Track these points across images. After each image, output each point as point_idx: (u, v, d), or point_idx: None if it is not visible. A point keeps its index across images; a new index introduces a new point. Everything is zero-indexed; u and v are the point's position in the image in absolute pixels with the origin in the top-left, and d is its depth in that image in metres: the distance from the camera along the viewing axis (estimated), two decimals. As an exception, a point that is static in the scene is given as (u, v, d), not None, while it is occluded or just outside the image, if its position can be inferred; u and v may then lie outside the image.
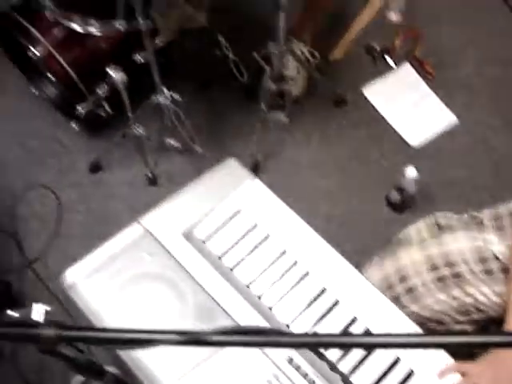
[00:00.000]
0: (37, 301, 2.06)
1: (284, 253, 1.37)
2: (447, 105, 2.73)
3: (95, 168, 2.54)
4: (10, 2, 2.37)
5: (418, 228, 1.70)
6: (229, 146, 2.61)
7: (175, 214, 1.39)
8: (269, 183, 1.49)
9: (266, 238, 1.39)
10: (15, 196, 2.52)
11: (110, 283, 1.28)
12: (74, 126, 2.49)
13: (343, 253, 1.38)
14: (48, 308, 0.89)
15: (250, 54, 2.58)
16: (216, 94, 2.73)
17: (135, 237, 1.35)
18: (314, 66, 2.62)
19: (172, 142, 2.49)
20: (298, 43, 2.57)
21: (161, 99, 2.25)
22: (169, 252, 1.32)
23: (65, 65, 2.20)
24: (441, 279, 1.52)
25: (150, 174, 2.48)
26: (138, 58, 2.23)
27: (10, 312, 0.88)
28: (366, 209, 2.46)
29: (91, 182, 2.55)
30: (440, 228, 1.66)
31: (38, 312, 0.90)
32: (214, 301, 1.27)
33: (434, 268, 1.53)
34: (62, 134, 2.65)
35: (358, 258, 1.61)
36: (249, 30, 2.80)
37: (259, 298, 1.31)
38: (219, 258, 1.36)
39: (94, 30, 2.03)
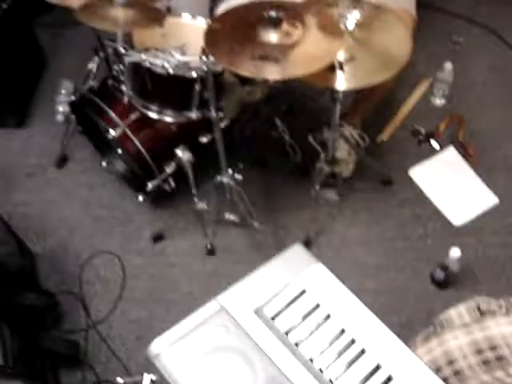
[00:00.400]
0: (99, 359, 2.28)
1: (343, 331, 1.53)
2: (489, 186, 2.87)
3: (158, 237, 2.74)
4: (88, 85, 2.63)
5: (459, 312, 1.83)
6: (282, 221, 2.78)
7: (248, 293, 1.56)
8: (319, 257, 1.64)
9: (328, 317, 1.55)
10: (83, 260, 2.72)
11: (190, 354, 1.45)
12: (140, 198, 2.70)
13: (390, 326, 1.53)
14: (154, 377, 1.04)
15: (304, 135, 2.78)
16: (271, 170, 2.93)
17: (212, 312, 1.52)
18: (363, 148, 2.81)
19: (230, 215, 2.67)
20: (349, 127, 2.76)
21: (224, 179, 2.44)
22: (242, 327, 1.49)
23: (139, 146, 2.42)
24: (485, 362, 1.64)
25: (208, 245, 2.67)
26: (204, 139, 2.44)
27: (119, 380, 1.04)
28: (410, 284, 2.59)
29: (154, 250, 2.74)
30: (481, 313, 1.79)
31: (147, 381, 1.06)
32: (282, 373, 1.42)
33: (478, 352, 1.65)
34: (128, 205, 2.87)
35: (403, 330, 1.73)
36: (304, 113, 3.02)
37: (321, 371, 1.47)
38: (286, 333, 1.52)
39: (168, 118, 2.25)
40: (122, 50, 2.10)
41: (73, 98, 2.63)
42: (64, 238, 2.81)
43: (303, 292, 1.59)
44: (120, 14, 1.97)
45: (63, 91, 3.31)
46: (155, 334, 2.48)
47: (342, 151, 2.70)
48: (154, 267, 2.69)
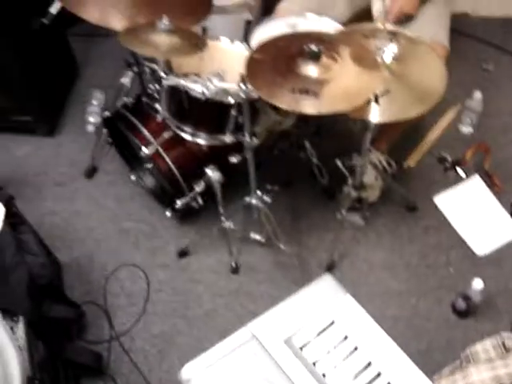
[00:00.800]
0: (121, 371, 2.29)
1: (370, 364, 1.56)
2: (512, 216, 2.90)
3: (183, 253, 2.77)
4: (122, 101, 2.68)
5: (485, 347, 1.86)
6: (306, 242, 2.81)
7: (278, 323, 1.59)
8: (342, 280, 1.66)
9: (355, 349, 1.58)
10: (108, 272, 2.76)
11: (220, 381, 1.48)
12: (167, 213, 2.74)
13: (409, 353, 1.55)
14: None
15: (331, 158, 2.81)
16: (297, 192, 2.96)
17: (243, 340, 1.55)
18: (390, 173, 2.83)
19: (255, 235, 2.71)
20: (377, 153, 2.79)
21: (253, 200, 2.48)
22: (271, 356, 1.52)
23: (170, 164, 2.46)
24: (507, 396, 1.67)
25: (233, 263, 2.70)
26: (234, 159, 2.47)
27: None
28: (431, 312, 2.61)
29: (179, 266, 2.77)
30: (506, 349, 1.82)
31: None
32: (309, 403, 1.46)
33: (501, 386, 1.69)
34: (156, 219, 2.91)
35: (422, 357, 1.75)
36: (332, 136, 3.05)
37: (347, 402, 1.50)
38: (314, 364, 1.55)
39: (201, 141, 2.29)
40: (162, 74, 2.13)
41: (107, 113, 2.66)
42: (90, 249, 2.85)
43: (332, 323, 1.61)
44: (162, 40, 2.00)
45: (94, 102, 3.36)
46: (177, 349, 2.55)
47: (370, 176, 2.73)
48: (178, 282, 2.73)
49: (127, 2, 2.17)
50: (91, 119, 3.30)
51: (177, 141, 2.43)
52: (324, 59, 1.89)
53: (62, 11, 2.99)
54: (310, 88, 1.80)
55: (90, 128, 3.29)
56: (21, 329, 1.99)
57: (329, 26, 2.38)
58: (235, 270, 2.72)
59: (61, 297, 2.47)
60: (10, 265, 2.13)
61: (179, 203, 2.57)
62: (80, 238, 2.89)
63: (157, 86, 2.41)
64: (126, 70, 2.77)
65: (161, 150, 2.44)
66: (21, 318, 2.01)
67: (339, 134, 3.07)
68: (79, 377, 2.44)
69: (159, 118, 2.42)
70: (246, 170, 2.39)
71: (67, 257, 2.79)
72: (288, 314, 1.62)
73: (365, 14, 2.64)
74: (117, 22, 2.13)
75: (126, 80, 2.89)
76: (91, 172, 3.10)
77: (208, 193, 2.56)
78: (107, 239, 2.89)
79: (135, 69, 2.82)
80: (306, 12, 2.45)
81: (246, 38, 2.50)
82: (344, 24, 2.44)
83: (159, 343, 2.56)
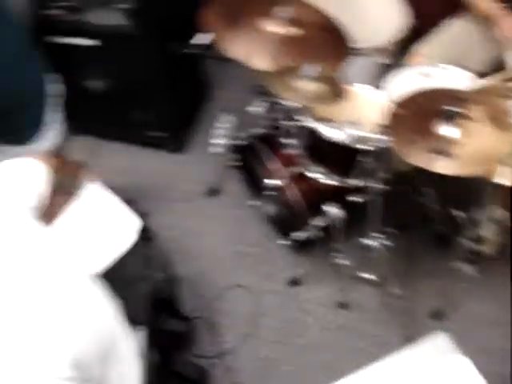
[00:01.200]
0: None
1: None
2: None
3: (295, 282, 2.84)
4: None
5: None
6: (417, 288, 2.82)
7: (388, 376, 1.62)
8: (448, 331, 1.67)
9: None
10: (219, 290, 2.87)
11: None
12: (284, 241, 2.83)
13: None
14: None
15: (449, 205, 2.80)
16: (411, 235, 2.97)
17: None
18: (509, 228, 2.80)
19: (368, 274, 2.74)
20: (499, 208, 2.76)
21: (371, 242, 2.52)
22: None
23: (295, 197, 2.54)
24: None
25: (342, 299, 2.75)
26: (356, 198, 2.52)
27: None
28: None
29: (289, 294, 2.84)
30: None
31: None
32: None
33: None
34: (271, 245, 2.99)
35: None
36: (452, 183, 3.03)
37: None
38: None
39: (328, 180, 2.36)
40: (298, 117, 2.21)
41: (238, 141, 2.78)
42: (203, 266, 2.96)
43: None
44: (305, 86, 2.07)
45: (222, 125, 3.48)
46: (279, 375, 2.62)
47: (489, 231, 2.70)
48: (286, 310, 2.80)
49: (276, 43, 2.26)
50: (218, 141, 3.41)
51: (303, 176, 2.50)
52: (460, 119, 1.91)
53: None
54: (445, 148, 1.82)
55: (216, 149, 3.40)
56: (140, 339, 2.11)
57: (463, 77, 2.39)
58: (344, 306, 2.76)
59: (174, 310, 2.58)
60: (136, 276, 2.26)
61: (298, 235, 2.65)
62: (196, 254, 3.00)
63: (289, 123, 2.49)
64: (256, 97, 2.87)
65: (288, 183, 2.53)
66: (141, 329, 2.13)
67: (458, 182, 3.04)
68: (180, 390, 2.55)
69: (289, 152, 2.51)
70: (366, 209, 2.44)
71: (181, 270, 2.90)
72: (399, 369, 1.64)
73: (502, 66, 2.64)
74: (261, 62, 2.23)
75: (257, 110, 3.00)
76: (214, 192, 3.22)
77: (326, 227, 2.63)
78: (222, 259, 2.99)
79: (267, 100, 2.92)
80: (444, 60, 2.47)
81: (379, 83, 2.55)
82: (481, 75, 2.44)
83: (262, 367, 2.63)
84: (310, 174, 2.44)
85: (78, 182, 1.98)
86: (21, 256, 1.50)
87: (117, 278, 1.79)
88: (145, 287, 2.27)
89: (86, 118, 2.86)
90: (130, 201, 2.48)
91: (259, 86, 3.32)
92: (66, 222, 1.81)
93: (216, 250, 3.03)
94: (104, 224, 1.94)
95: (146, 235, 2.41)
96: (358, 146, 2.20)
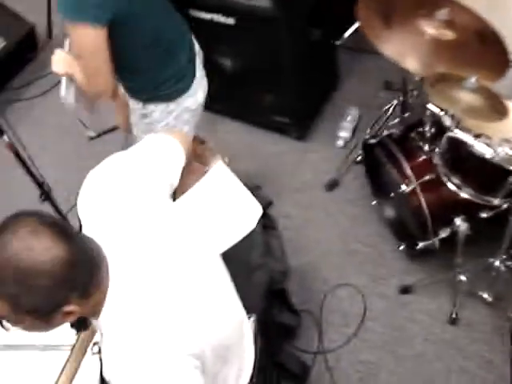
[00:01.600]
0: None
1: None
2: None
3: (406, 289, 2.77)
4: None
5: None
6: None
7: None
8: None
9: None
10: (328, 287, 2.84)
11: None
12: (401, 247, 2.76)
13: None
14: None
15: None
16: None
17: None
18: None
19: (484, 293, 2.63)
20: None
21: (497, 262, 2.42)
22: None
23: (424, 206, 2.45)
24: None
25: (453, 314, 2.65)
26: (485, 215, 2.42)
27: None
28: None
29: (398, 300, 2.77)
30: None
31: None
32: None
33: None
34: (386, 248, 2.93)
35: None
36: None
37: None
38: None
39: (466, 195, 2.26)
40: (450, 126, 2.11)
41: (370, 139, 2.72)
42: (315, 260, 2.94)
43: None
44: (464, 97, 1.98)
45: (348, 118, 3.43)
46: (378, 382, 2.56)
47: None
48: (394, 317, 2.73)
49: (428, 49, 2.18)
50: (342, 134, 3.37)
51: (436, 185, 2.41)
52: None
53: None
54: None
55: (339, 142, 3.36)
56: (252, 327, 2.10)
57: None
58: (453, 322, 2.67)
59: (286, 303, 2.57)
60: (255, 264, 2.26)
61: (421, 245, 2.56)
62: (308, 247, 2.99)
63: (433, 130, 2.39)
64: (386, 92, 2.77)
65: (418, 190, 2.44)
66: (253, 317, 2.13)
67: None
68: (279, 381, 2.54)
69: (424, 158, 2.44)
70: (494, 227, 2.34)
71: (293, 262, 2.88)
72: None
73: None
74: (413, 64, 2.16)
75: (390, 107, 2.94)
76: (332, 185, 3.18)
77: (449, 239, 2.54)
78: (334, 255, 2.96)
79: (401, 97, 2.85)
80: None
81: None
82: None
83: (362, 371, 2.60)
84: (449, 185, 2.34)
85: (205, 161, 1.99)
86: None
87: (235, 263, 1.80)
88: (262, 276, 2.27)
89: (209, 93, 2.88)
90: (254, 187, 2.48)
91: (392, 82, 3.26)
92: (190, 200, 1.83)
93: (328, 245, 3.00)
94: (226, 207, 1.94)
95: (267, 223, 2.40)
96: (507, 166, 2.08)
